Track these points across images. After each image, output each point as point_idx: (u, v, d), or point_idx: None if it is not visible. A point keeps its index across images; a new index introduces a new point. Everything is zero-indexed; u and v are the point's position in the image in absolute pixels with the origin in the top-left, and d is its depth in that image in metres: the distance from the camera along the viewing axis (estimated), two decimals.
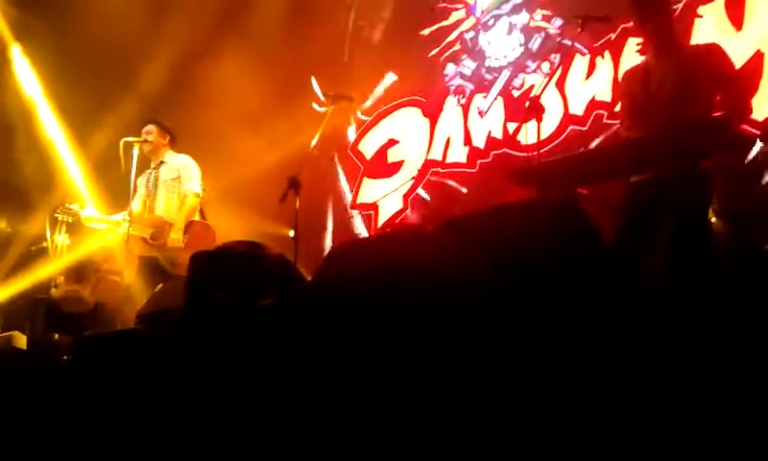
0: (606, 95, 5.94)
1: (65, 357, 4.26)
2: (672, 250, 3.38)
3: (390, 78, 7.59)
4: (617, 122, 5.69)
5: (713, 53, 3.78)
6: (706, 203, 3.53)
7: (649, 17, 3.85)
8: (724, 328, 2.28)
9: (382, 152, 7.55)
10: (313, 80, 7.75)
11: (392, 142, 7.51)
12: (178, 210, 5.65)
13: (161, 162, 5.79)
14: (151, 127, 5.80)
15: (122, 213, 5.68)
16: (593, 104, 6.03)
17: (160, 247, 5.50)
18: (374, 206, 7.41)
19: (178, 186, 5.68)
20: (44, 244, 7.25)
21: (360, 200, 7.55)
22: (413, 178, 7.22)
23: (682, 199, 3.41)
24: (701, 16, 5.37)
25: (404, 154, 7.39)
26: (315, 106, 7.18)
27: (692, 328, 2.24)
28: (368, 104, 7.69)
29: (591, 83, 6.08)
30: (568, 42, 6.19)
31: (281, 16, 7.95)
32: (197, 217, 5.71)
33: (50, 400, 3.43)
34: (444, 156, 7.06)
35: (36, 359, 5.05)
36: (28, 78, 7.86)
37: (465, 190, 6.85)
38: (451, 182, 6.99)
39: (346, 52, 8.01)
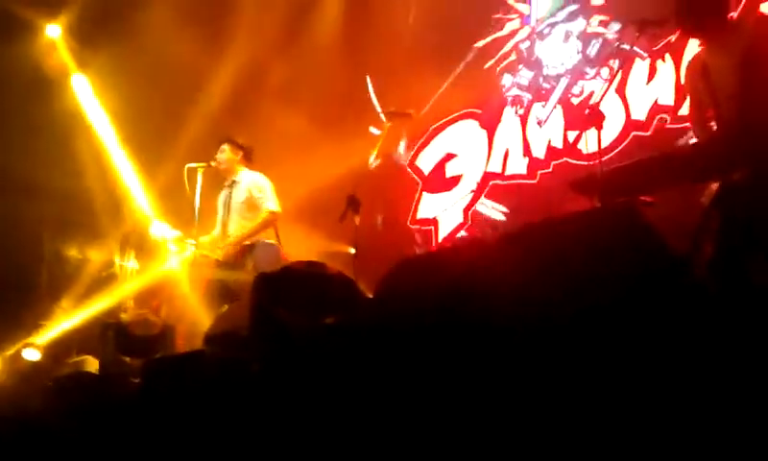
0: (668, 99, 5.80)
1: (136, 380, 4.35)
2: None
3: None
4: (681, 126, 5.57)
5: (766, 30, 3.51)
6: None
7: (693, 30, 3.72)
8: None
9: (440, 166, 7.53)
10: (369, 85, 7.75)
11: (449, 156, 7.48)
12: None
13: (234, 182, 5.87)
14: (225, 145, 5.90)
15: (206, 236, 5.79)
16: (656, 108, 5.89)
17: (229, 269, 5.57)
18: (434, 221, 7.38)
19: (247, 210, 5.74)
20: (113, 269, 7.46)
21: (420, 215, 7.53)
22: (472, 191, 7.17)
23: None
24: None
25: (463, 167, 7.35)
26: (373, 129, 7.16)
27: None
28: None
29: (653, 87, 5.95)
30: (627, 47, 6.06)
31: (337, 36, 8.03)
32: (265, 236, 5.72)
33: (123, 422, 3.51)
34: (504, 167, 7.00)
35: (108, 383, 5.17)
36: (93, 107, 8.13)
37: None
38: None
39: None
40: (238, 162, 5.88)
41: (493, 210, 7.02)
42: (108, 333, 6.31)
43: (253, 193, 5.73)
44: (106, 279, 7.54)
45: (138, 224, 7.56)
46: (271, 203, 5.68)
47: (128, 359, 6.21)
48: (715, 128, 3.64)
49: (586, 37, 6.54)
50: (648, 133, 5.89)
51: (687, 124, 5.41)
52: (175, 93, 7.55)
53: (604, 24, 6.43)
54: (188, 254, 5.71)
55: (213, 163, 5.84)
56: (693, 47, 5.33)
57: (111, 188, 7.95)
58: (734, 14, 5.09)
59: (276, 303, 3.42)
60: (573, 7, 6.67)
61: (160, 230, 5.76)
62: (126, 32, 7.56)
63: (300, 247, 6.26)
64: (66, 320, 7.40)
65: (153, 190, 7.91)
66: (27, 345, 7.04)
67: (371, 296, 3.62)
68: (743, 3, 5.29)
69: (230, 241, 5.63)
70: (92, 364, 6.28)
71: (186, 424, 3.21)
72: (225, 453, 2.96)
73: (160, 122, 7.52)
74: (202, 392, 3.34)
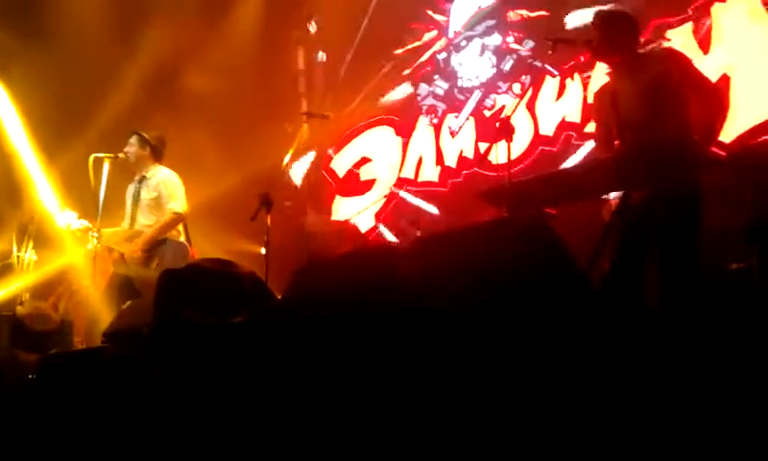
0: (575, 116, 6.02)
1: (30, 376, 4.18)
2: (662, 273, 3.37)
3: None
4: (586, 143, 5.80)
5: (674, 61, 3.70)
6: (692, 223, 3.46)
7: (603, 58, 3.87)
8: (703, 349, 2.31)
9: (354, 170, 7.58)
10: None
11: (364, 160, 7.54)
12: None
13: (143, 177, 5.70)
14: (132, 138, 5.73)
15: (111, 229, 5.61)
16: (563, 125, 6.11)
17: (135, 264, 5.42)
18: (346, 224, 7.41)
19: (156, 207, 5.59)
20: (10, 260, 7.13)
21: (333, 218, 7.55)
22: (385, 196, 7.25)
23: (668, 220, 3.40)
24: (669, 40, 5.47)
25: (376, 172, 7.42)
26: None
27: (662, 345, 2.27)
28: None
29: (561, 104, 6.16)
30: (539, 64, 6.27)
31: (253, 34, 7.97)
32: (175, 233, 5.59)
33: (14, 418, 3.37)
34: (417, 174, 7.11)
35: (1, 377, 4.95)
36: None
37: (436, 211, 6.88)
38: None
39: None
40: (147, 157, 5.73)
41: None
42: (3, 326, 6.03)
43: (162, 192, 5.59)
44: (1, 269, 7.19)
45: (38, 213, 7.25)
46: (176, 203, 5.54)
47: (22, 354, 5.96)
48: (619, 149, 3.81)
49: (500, 52, 6.72)
50: (555, 149, 6.10)
51: (592, 141, 5.68)
52: (84, 83, 7.31)
53: (518, 41, 6.62)
54: (91, 246, 5.50)
55: (121, 155, 5.67)
56: (602, 68, 5.58)
57: (11, 174, 7.61)
58: (642, 41, 5.35)
59: (182, 300, 3.35)
60: (490, 22, 6.84)
61: (67, 218, 5.55)
62: (35, 17, 7.27)
63: (211, 246, 6.16)
64: None
65: (55, 179, 7.62)
66: None
67: (280, 296, 3.60)
68: (650, 30, 5.55)
69: (140, 244, 5.46)
70: None
71: (81, 423, 3.11)
72: (117, 454, 2.88)
73: (66, 110, 7.25)
74: (98, 390, 3.24)
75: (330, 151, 7.82)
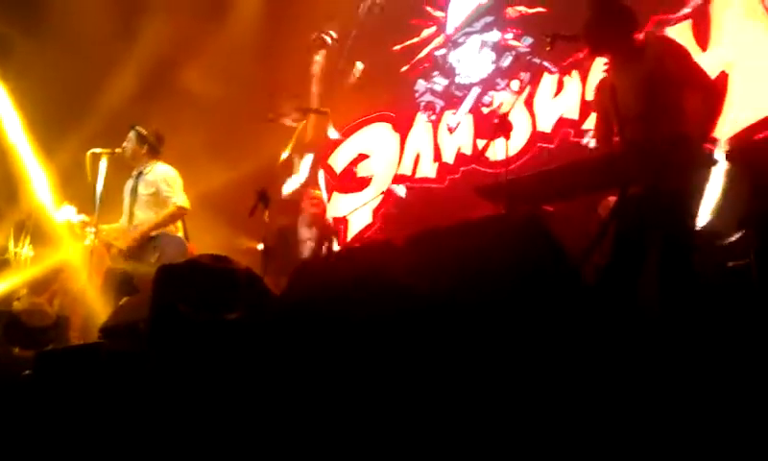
0: (573, 113, 6.01)
1: (26, 372, 4.17)
2: (660, 269, 3.36)
3: None
4: (585, 140, 5.78)
5: (670, 52, 3.65)
6: (688, 221, 3.44)
7: (600, 49, 3.83)
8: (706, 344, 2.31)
9: (352, 166, 7.57)
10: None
11: (362, 157, 7.53)
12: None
13: (141, 172, 5.68)
14: (131, 134, 5.70)
15: (107, 225, 5.60)
16: (561, 122, 6.10)
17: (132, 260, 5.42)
18: (344, 221, 7.40)
19: (155, 203, 5.57)
20: (7, 256, 7.12)
21: (330, 214, 7.53)
22: (382, 192, 7.23)
23: (665, 217, 3.38)
24: None
25: (374, 168, 7.41)
26: (289, 121, 6.97)
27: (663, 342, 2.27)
28: None
29: (559, 101, 6.15)
30: (538, 61, 6.26)
31: (252, 29, 7.95)
32: (173, 229, 5.57)
33: (9, 414, 3.37)
34: (414, 171, 7.09)
35: None
36: None
37: None
38: None
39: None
40: (144, 154, 5.71)
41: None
42: None
43: (161, 187, 5.56)
44: None
45: (35, 209, 7.24)
46: (179, 198, 5.54)
47: (17, 350, 5.94)
48: (618, 144, 3.78)
49: (499, 49, 6.70)
50: (553, 146, 6.09)
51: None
52: (82, 79, 7.30)
53: (517, 37, 6.61)
54: (89, 242, 5.49)
55: (118, 150, 5.65)
56: (600, 65, 5.56)
57: (8, 170, 7.60)
58: (641, 36, 5.33)
59: (179, 296, 3.35)
60: (489, 18, 6.83)
61: (66, 213, 5.54)
62: (32, 12, 7.26)
63: (209, 242, 6.14)
64: None
65: (52, 174, 7.61)
66: None
67: (277, 293, 3.60)
68: (649, 23, 5.54)
69: (135, 233, 5.46)
70: None
71: (77, 418, 3.11)
72: (114, 449, 2.88)
73: (63, 106, 7.24)
74: (95, 386, 3.24)
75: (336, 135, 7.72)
